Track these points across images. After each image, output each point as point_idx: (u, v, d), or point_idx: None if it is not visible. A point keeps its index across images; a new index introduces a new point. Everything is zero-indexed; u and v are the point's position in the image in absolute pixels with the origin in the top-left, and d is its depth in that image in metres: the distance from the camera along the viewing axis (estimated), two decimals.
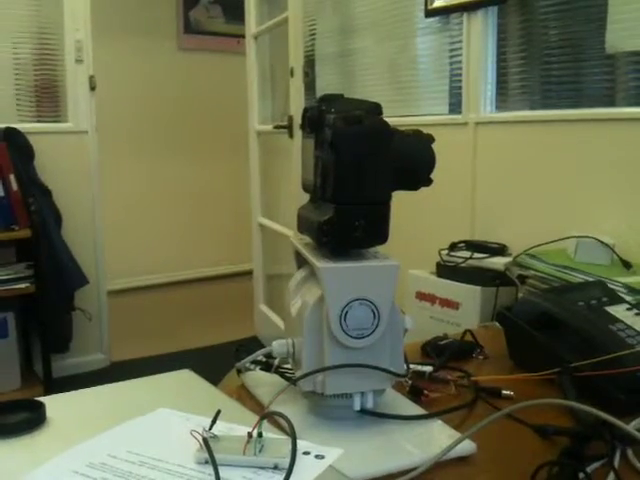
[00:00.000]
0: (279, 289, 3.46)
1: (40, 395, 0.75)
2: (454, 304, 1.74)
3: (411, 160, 0.76)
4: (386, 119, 0.75)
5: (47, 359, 2.68)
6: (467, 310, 1.69)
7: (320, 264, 0.72)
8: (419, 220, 2.26)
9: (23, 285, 2.57)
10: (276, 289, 3.51)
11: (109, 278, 3.35)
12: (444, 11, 2.20)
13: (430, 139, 0.77)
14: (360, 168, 0.73)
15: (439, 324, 1.75)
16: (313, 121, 0.76)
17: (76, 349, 3.01)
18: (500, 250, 1.80)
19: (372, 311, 0.72)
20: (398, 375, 0.76)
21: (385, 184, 0.74)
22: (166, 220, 4.58)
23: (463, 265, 1.75)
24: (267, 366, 0.90)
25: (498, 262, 1.69)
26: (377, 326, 0.73)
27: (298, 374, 0.75)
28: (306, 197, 0.84)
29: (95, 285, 3.07)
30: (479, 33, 2.06)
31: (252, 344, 3.40)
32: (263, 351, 0.87)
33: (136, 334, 3.61)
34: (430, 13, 2.26)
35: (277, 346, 0.79)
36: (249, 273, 3.73)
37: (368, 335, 0.73)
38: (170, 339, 3.51)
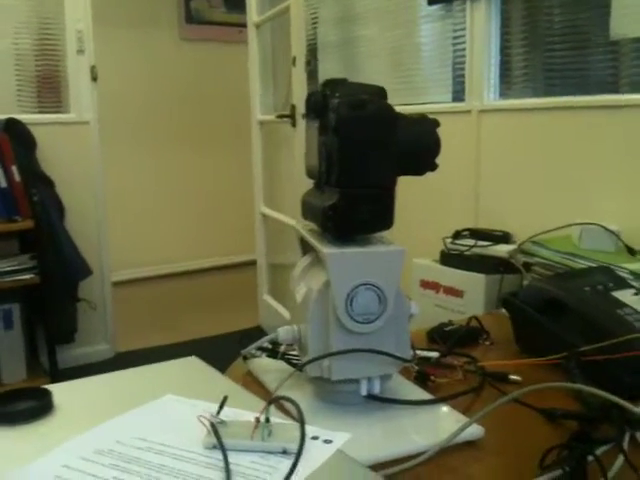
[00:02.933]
0: (283, 279, 3.46)
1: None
2: (458, 292, 1.74)
3: (416, 144, 0.76)
4: None
5: (52, 350, 2.69)
6: (471, 298, 1.69)
7: (326, 249, 0.72)
8: (423, 208, 2.25)
9: (27, 276, 2.57)
10: (280, 279, 3.51)
11: (113, 269, 3.35)
12: None
13: (435, 123, 0.77)
14: (365, 152, 0.72)
15: (444, 312, 1.75)
16: (317, 106, 0.76)
17: (81, 340, 3.01)
18: (504, 238, 1.80)
19: (378, 296, 0.72)
20: (404, 360, 0.76)
21: (390, 168, 0.74)
22: (169, 211, 4.58)
23: (467, 253, 1.75)
24: (273, 353, 0.90)
25: (502, 250, 1.68)
26: (383, 311, 0.72)
27: (304, 360, 0.75)
28: (309, 185, 0.84)
29: (99, 276, 3.08)
30: (482, 20, 2.05)
31: (256, 334, 3.41)
32: (269, 338, 0.87)
33: (140, 325, 3.62)
34: (433, 1, 2.24)
35: (283, 332, 0.79)
36: (253, 263, 3.73)
37: (374, 320, 0.72)
38: (174, 329, 3.52)
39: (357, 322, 0.72)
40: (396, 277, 0.73)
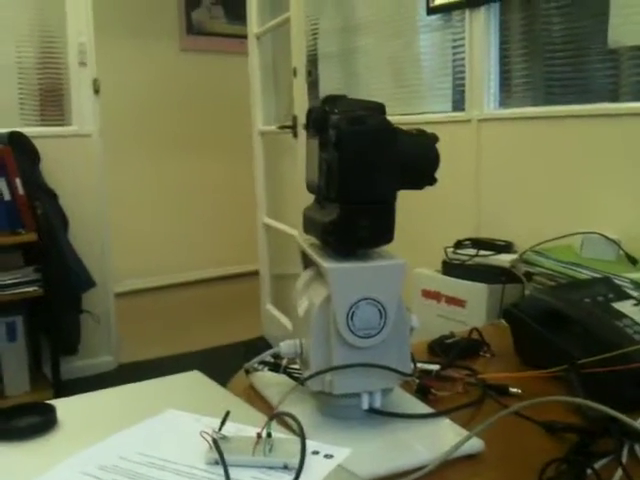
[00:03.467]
0: (286, 289, 3.47)
1: (50, 398, 0.76)
2: (460, 302, 1.74)
3: (415, 160, 0.76)
4: (389, 117, 0.76)
5: (56, 362, 2.70)
6: (473, 308, 1.69)
7: (327, 264, 0.73)
8: (424, 218, 2.26)
9: (31, 289, 2.58)
10: (283, 289, 3.52)
11: (116, 280, 3.36)
12: (446, 8, 2.20)
13: (434, 139, 0.78)
14: (364, 168, 0.73)
15: (445, 322, 1.75)
16: (317, 122, 0.77)
17: (84, 351, 3.02)
18: (506, 247, 1.80)
19: (379, 310, 0.73)
20: (405, 374, 0.76)
21: (390, 183, 0.74)
22: (172, 221, 4.59)
23: (469, 263, 1.75)
24: (275, 366, 0.91)
25: (504, 259, 1.68)
26: (384, 325, 0.73)
27: (306, 374, 0.76)
28: (311, 197, 0.84)
29: (102, 287, 3.08)
30: (481, 30, 2.06)
31: (259, 344, 3.41)
32: (271, 352, 0.87)
33: (144, 336, 3.63)
34: (432, 10, 2.26)
35: (285, 347, 0.79)
36: (255, 273, 3.74)
37: (375, 335, 0.73)
38: (178, 340, 3.52)
39: (358, 337, 0.73)
40: (397, 291, 0.74)
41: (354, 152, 0.73)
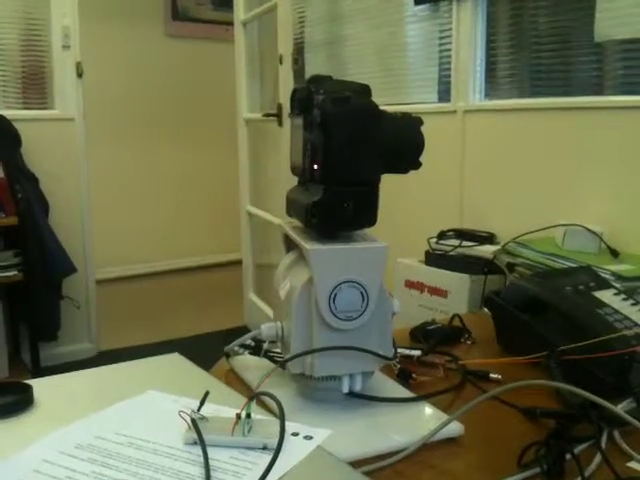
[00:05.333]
0: (269, 278, 3.46)
1: None
2: (443, 292, 1.75)
3: (399, 142, 0.76)
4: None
5: (35, 348, 2.68)
6: (456, 298, 1.70)
7: (309, 246, 0.72)
8: (408, 209, 2.26)
9: (10, 273, 2.56)
10: (266, 278, 3.51)
11: (97, 267, 3.33)
12: None
13: (419, 121, 0.77)
14: (349, 149, 0.72)
15: (428, 312, 1.76)
16: (302, 102, 0.76)
17: (64, 338, 2.99)
18: (489, 238, 1.81)
19: (361, 293, 0.72)
20: (386, 358, 0.76)
21: (374, 165, 0.74)
22: (155, 209, 4.56)
23: (452, 253, 1.76)
24: (256, 350, 0.90)
25: (486, 250, 1.69)
26: (366, 308, 0.73)
27: (287, 357, 0.75)
28: (294, 183, 0.84)
29: (83, 273, 3.06)
30: (468, 21, 2.06)
31: (242, 333, 3.39)
32: (251, 334, 0.87)
33: (124, 323, 3.60)
34: (419, 1, 2.25)
35: (266, 329, 0.79)
36: (238, 262, 3.73)
37: (357, 317, 0.73)
38: (159, 328, 3.51)
39: (340, 319, 0.72)
40: (379, 274, 0.73)
41: (339, 133, 0.72)
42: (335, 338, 0.73)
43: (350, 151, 0.72)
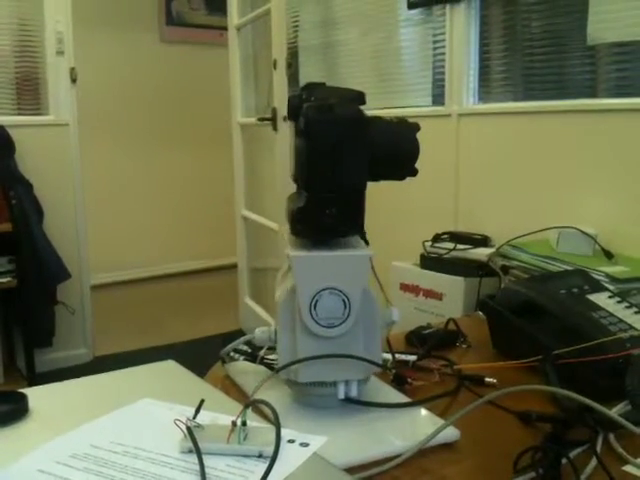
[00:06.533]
0: (264, 282, 3.46)
1: None
2: (438, 295, 1.75)
3: (392, 149, 0.76)
4: (369, 111, 0.75)
5: (30, 354, 2.67)
6: (451, 301, 1.70)
7: (292, 252, 0.72)
8: (403, 212, 2.26)
9: (5, 279, 2.55)
10: (261, 282, 3.51)
11: (92, 272, 3.32)
12: (427, 3, 2.20)
13: (414, 128, 0.77)
14: (331, 156, 0.72)
15: (423, 315, 1.76)
16: (293, 110, 0.76)
17: (59, 344, 2.98)
18: (483, 241, 1.81)
19: (343, 301, 0.72)
20: (376, 364, 0.75)
21: (358, 172, 0.73)
22: (149, 214, 4.55)
23: (447, 256, 1.76)
24: (252, 357, 0.90)
25: (481, 253, 1.70)
26: (348, 316, 0.72)
27: (280, 365, 0.75)
28: (290, 188, 0.84)
29: (78, 279, 3.05)
30: (462, 25, 2.06)
31: (237, 338, 3.39)
32: (245, 338, 0.87)
33: (119, 328, 3.59)
34: (413, 5, 2.26)
35: (259, 333, 0.79)
36: (234, 266, 3.72)
37: (339, 325, 0.73)
38: (154, 333, 3.50)
39: (321, 326, 0.72)
40: (362, 282, 0.73)
41: (320, 140, 0.72)
42: (318, 344, 0.73)
43: (333, 158, 0.72)
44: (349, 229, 0.75)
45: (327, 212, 0.72)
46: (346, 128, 0.72)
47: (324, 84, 0.79)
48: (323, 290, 0.72)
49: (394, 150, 0.76)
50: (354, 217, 0.74)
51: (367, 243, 0.77)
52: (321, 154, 0.72)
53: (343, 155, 0.72)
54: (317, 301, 0.72)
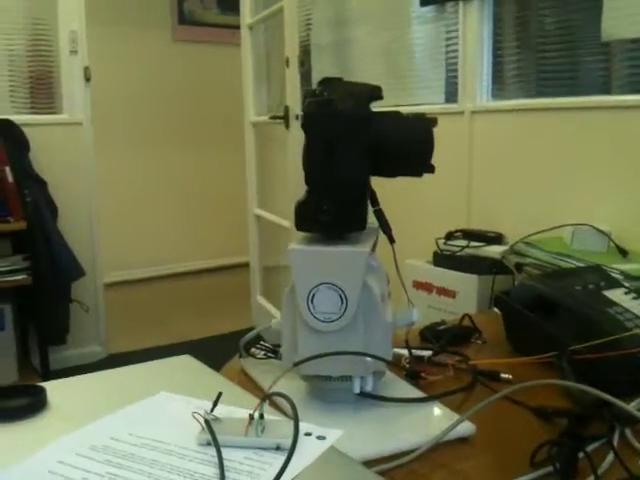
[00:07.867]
0: (276, 280, 3.46)
1: None
2: (451, 293, 1.75)
3: (403, 144, 0.75)
4: (381, 108, 0.75)
5: (44, 351, 2.68)
6: (464, 298, 1.70)
7: (290, 246, 0.73)
8: (416, 209, 2.26)
9: (20, 277, 2.56)
10: (273, 280, 3.51)
11: (105, 270, 3.34)
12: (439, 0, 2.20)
13: (430, 122, 0.76)
14: (331, 151, 0.72)
15: (436, 313, 1.75)
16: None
17: (73, 341, 3.00)
18: (497, 238, 1.81)
19: (339, 296, 0.72)
20: (379, 359, 0.75)
21: (357, 168, 0.73)
22: (162, 212, 4.57)
23: (460, 254, 1.76)
24: (273, 352, 0.91)
25: (495, 250, 1.69)
26: (345, 311, 0.73)
27: (298, 358, 0.76)
28: (301, 186, 0.84)
29: (92, 277, 3.07)
30: (475, 22, 2.06)
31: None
32: (261, 328, 0.89)
33: (133, 326, 3.61)
34: (425, 2, 2.25)
35: (275, 324, 0.80)
36: (246, 265, 3.73)
37: (336, 319, 0.73)
38: (167, 331, 3.51)
39: (319, 320, 0.73)
40: (358, 278, 0.73)
41: (319, 135, 0.72)
42: (318, 339, 0.74)
43: (330, 153, 0.72)
44: (350, 226, 0.74)
45: (326, 208, 0.72)
46: (345, 123, 0.72)
47: (341, 79, 0.79)
48: (320, 285, 0.72)
49: (404, 145, 0.75)
50: (354, 213, 0.73)
51: (392, 241, 0.77)
52: (319, 149, 0.72)
53: (341, 150, 0.72)
54: (314, 295, 0.72)
